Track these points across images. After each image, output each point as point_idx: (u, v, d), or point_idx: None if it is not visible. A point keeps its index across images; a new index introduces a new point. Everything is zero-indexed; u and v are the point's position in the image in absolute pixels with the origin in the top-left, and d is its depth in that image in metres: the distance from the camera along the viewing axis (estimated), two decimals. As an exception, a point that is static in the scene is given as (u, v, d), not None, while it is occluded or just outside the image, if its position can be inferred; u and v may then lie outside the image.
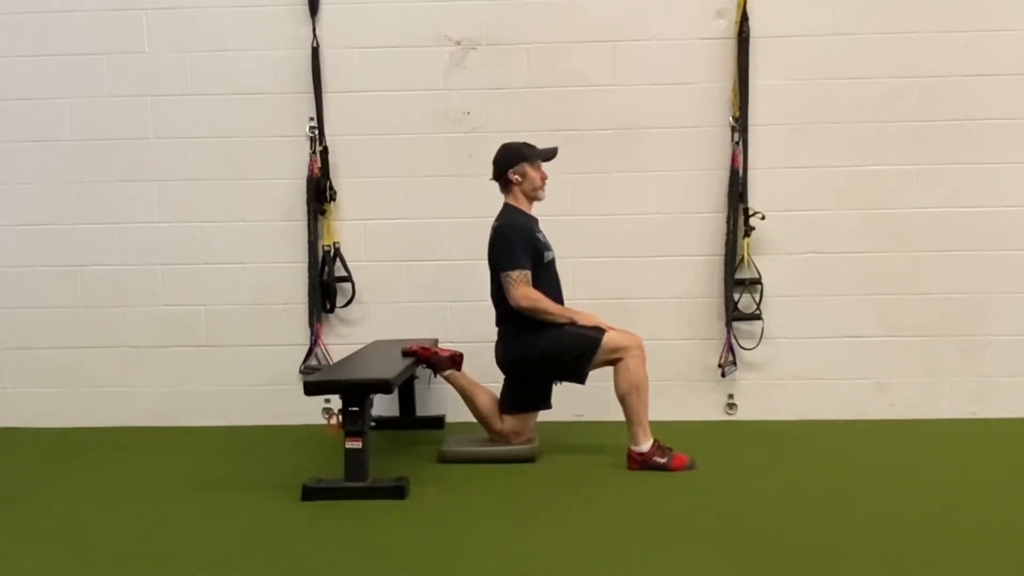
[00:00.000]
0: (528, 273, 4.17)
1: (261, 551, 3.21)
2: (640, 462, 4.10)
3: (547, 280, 4.31)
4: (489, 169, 4.33)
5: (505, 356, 4.32)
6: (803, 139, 4.97)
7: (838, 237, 4.99)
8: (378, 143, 5.07)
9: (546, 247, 4.31)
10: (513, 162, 4.28)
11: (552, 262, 4.35)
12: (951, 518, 3.42)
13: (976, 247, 4.96)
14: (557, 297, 4.34)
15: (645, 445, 4.11)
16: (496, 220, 4.31)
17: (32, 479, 4.20)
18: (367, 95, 5.06)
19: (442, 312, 5.10)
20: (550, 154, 4.35)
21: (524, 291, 4.16)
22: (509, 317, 4.27)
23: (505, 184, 4.33)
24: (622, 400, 4.15)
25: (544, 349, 4.20)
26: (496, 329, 4.35)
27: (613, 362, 4.17)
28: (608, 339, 4.15)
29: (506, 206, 4.34)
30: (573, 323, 4.19)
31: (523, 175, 4.28)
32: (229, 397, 5.16)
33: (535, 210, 4.37)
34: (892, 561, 2.99)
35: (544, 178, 4.33)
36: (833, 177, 4.97)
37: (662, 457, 4.10)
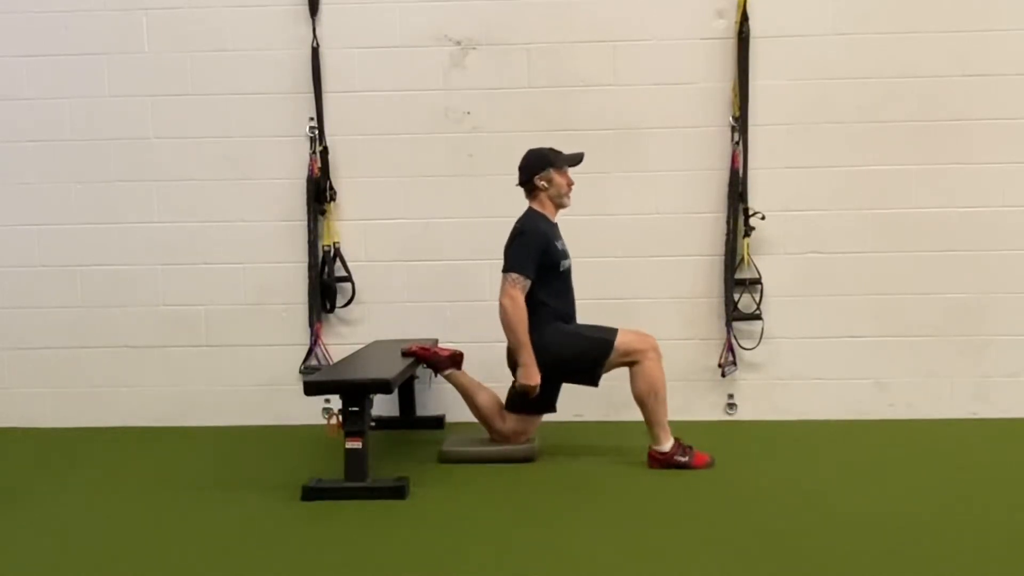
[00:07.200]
0: (528, 282, 4.12)
1: (261, 551, 3.21)
2: (661, 461, 4.09)
3: (561, 288, 4.27)
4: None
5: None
6: (803, 139, 4.97)
7: (838, 237, 4.99)
8: (378, 143, 5.07)
9: (563, 255, 4.25)
10: (540, 168, 4.23)
11: (568, 271, 4.30)
12: (951, 518, 3.42)
13: (976, 247, 4.96)
14: (569, 306, 4.31)
15: (667, 445, 4.10)
16: (518, 222, 4.25)
17: (31, 479, 4.20)
18: (367, 95, 5.06)
19: (442, 312, 5.09)
20: (576, 160, 4.29)
21: (513, 295, 4.09)
22: None
23: (531, 190, 4.27)
24: (640, 403, 4.13)
25: (556, 354, 4.16)
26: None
27: (628, 364, 4.15)
28: (620, 342, 4.13)
29: (530, 210, 4.27)
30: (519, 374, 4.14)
31: (549, 181, 4.23)
32: (229, 397, 5.16)
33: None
34: (892, 561, 2.98)
35: (570, 184, 4.28)
36: (833, 177, 4.97)
37: (683, 456, 4.09)
